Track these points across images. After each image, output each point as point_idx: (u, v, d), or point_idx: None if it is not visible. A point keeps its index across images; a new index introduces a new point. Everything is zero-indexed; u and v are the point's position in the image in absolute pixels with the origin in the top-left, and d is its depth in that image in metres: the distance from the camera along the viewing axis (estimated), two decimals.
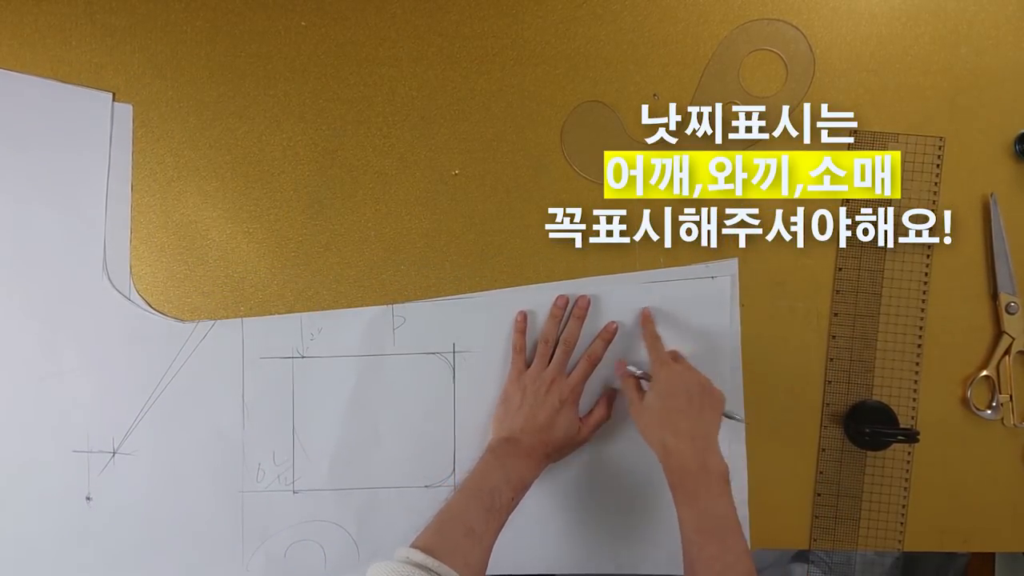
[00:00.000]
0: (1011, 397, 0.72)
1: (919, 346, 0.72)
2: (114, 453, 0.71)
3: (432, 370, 0.72)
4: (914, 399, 0.72)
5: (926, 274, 0.72)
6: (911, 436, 0.67)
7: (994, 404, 0.72)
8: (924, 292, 0.72)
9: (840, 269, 0.72)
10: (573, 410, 0.69)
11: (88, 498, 0.71)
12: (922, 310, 0.72)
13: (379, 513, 0.72)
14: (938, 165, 0.71)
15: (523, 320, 0.71)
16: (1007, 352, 0.72)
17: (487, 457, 0.66)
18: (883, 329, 0.72)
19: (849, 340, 0.72)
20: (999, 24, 0.71)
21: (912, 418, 0.72)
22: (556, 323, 0.71)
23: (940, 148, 0.71)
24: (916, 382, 0.72)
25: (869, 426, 0.66)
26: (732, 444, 0.72)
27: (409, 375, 0.72)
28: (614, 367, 0.71)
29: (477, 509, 0.60)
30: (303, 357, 0.72)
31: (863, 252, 0.72)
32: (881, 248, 0.71)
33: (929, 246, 0.71)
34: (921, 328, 0.72)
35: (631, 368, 0.69)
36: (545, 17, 0.72)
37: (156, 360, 0.71)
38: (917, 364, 0.72)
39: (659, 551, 0.72)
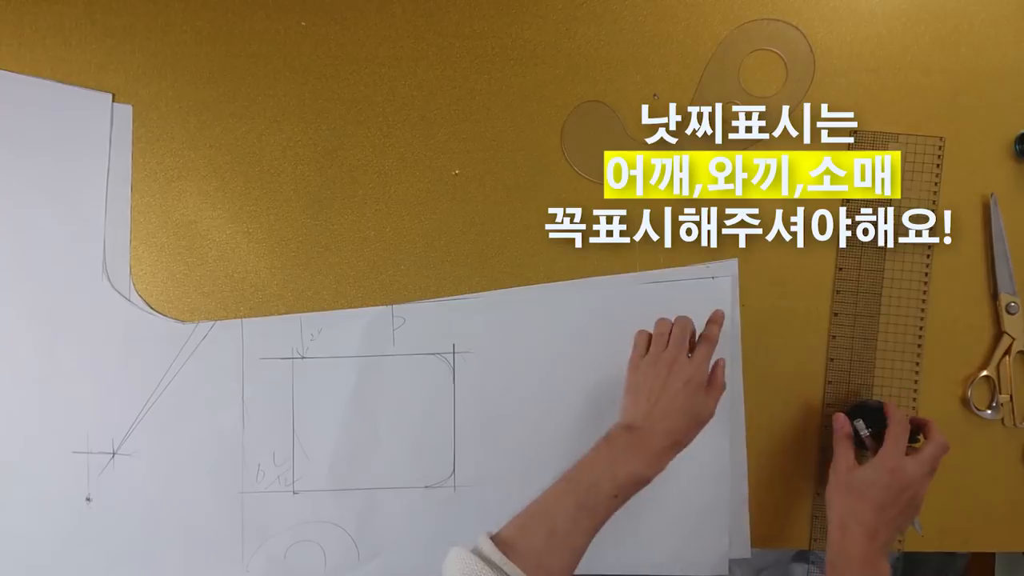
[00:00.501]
0: (1011, 397, 0.72)
1: (919, 346, 0.72)
2: (114, 454, 0.71)
3: (432, 371, 0.72)
4: (914, 399, 0.72)
5: (926, 274, 0.72)
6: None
7: (994, 404, 0.72)
8: (924, 292, 0.72)
9: (840, 269, 0.72)
10: (699, 391, 0.61)
11: (88, 499, 0.71)
12: (922, 310, 0.72)
13: (379, 514, 0.72)
14: (938, 165, 0.71)
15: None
16: (1007, 352, 0.72)
17: (600, 445, 0.60)
18: (883, 329, 0.72)
19: (849, 340, 0.72)
20: (999, 24, 0.71)
21: None
22: (667, 324, 0.65)
23: (940, 148, 0.71)
24: (916, 382, 0.72)
25: (869, 426, 0.66)
26: (733, 444, 0.72)
27: (409, 376, 0.72)
28: (834, 419, 0.67)
29: (567, 505, 0.56)
30: (303, 358, 0.72)
31: (863, 252, 0.72)
32: (881, 248, 0.71)
33: (929, 246, 0.71)
34: (921, 328, 0.72)
35: (859, 424, 0.66)
36: (545, 17, 0.72)
37: (156, 361, 0.71)
38: (917, 364, 0.72)
39: (661, 552, 0.72)
